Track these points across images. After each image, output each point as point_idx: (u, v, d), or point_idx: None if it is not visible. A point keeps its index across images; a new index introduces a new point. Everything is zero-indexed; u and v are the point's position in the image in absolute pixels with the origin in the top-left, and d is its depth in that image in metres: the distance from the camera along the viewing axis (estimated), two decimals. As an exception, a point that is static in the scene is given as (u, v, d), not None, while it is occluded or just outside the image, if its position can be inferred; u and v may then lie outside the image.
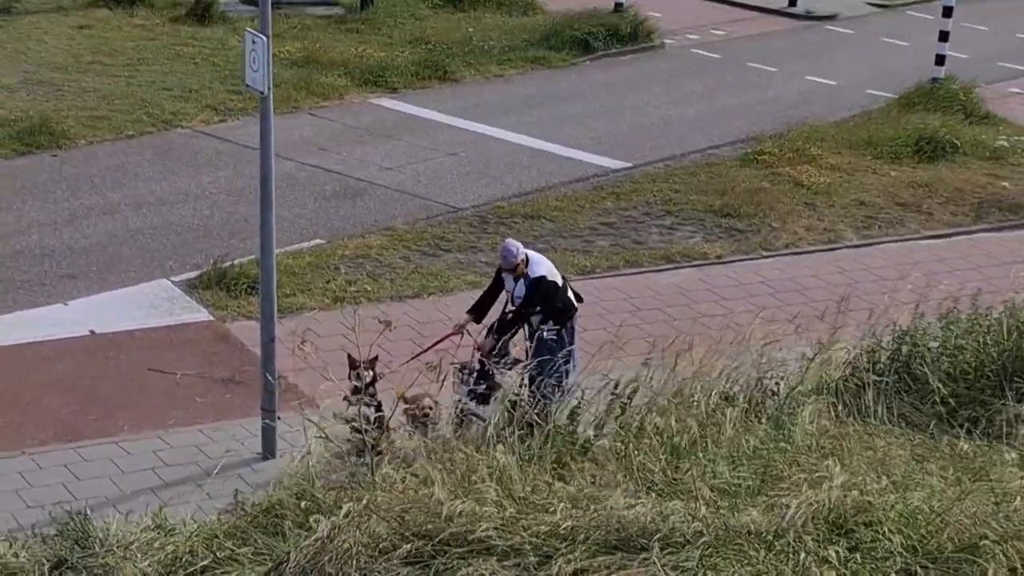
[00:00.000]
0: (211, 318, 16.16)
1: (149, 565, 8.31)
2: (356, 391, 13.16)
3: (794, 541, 6.93)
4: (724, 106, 24.61)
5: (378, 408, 12.64)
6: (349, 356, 13.21)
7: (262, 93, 12.61)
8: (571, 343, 13.56)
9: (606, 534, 7.01)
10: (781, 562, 6.84)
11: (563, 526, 7.06)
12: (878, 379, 12.26)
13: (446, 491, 7.25)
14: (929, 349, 12.71)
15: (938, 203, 20.29)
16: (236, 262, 17.09)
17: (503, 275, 13.73)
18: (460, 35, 27.53)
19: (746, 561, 6.89)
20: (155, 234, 18.33)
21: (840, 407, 11.90)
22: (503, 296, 13.87)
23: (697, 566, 6.82)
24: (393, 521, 7.20)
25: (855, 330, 13.52)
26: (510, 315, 13.86)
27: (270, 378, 13.26)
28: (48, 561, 9.82)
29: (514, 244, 13.69)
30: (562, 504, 7.19)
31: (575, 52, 27.11)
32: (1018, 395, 11.98)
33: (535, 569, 6.91)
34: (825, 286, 17.59)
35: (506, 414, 10.90)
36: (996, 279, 17.10)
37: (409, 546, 7.01)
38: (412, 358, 13.41)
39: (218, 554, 8.11)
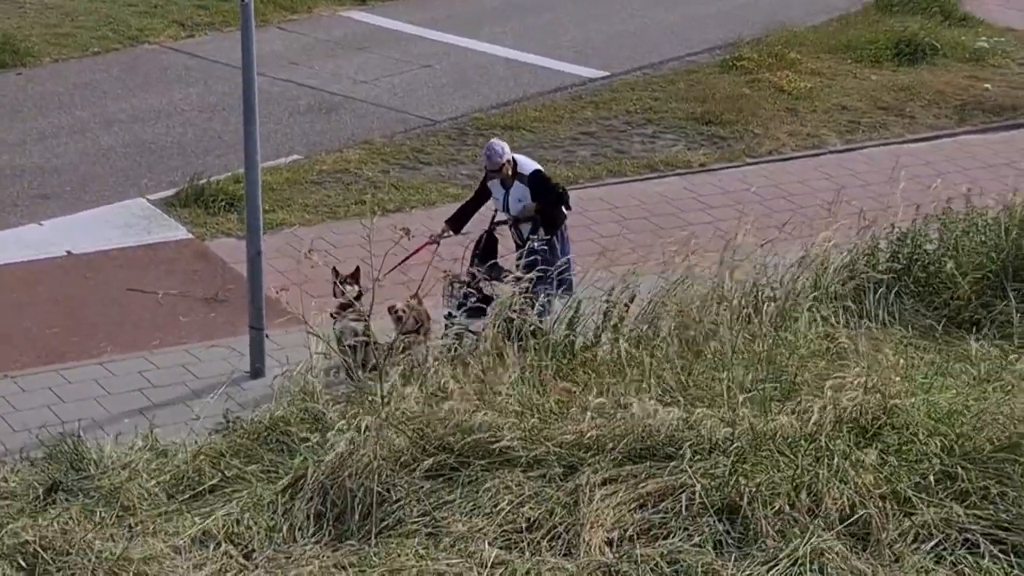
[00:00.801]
0: (190, 236, 15.82)
1: (156, 484, 8.02)
2: (343, 307, 12.97)
3: (828, 444, 6.71)
4: (700, 12, 24.22)
5: (364, 323, 12.51)
6: (334, 270, 12.99)
7: (245, 3, 12.16)
8: (563, 252, 13.25)
9: (633, 442, 6.78)
10: (816, 466, 6.63)
11: (588, 435, 6.83)
12: (878, 282, 12.10)
13: (466, 402, 6.98)
14: (927, 252, 12.54)
15: (920, 106, 20.05)
16: (213, 179, 16.74)
17: (489, 184, 13.34)
18: (427, -56, 26.97)
19: (777, 467, 6.68)
20: (128, 152, 17.94)
21: (840, 311, 11.74)
22: (486, 211, 13.53)
23: (729, 472, 6.60)
24: (413, 434, 6.94)
25: (849, 234, 13.35)
26: (499, 225, 13.55)
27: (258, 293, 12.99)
28: (41, 485, 9.56)
29: (499, 143, 13.22)
30: (589, 413, 6.94)
31: (548, -40, 26.58)
32: (1021, 295, 11.83)
33: (561, 479, 6.69)
34: (812, 192, 17.37)
35: (503, 326, 10.66)
36: (983, 181, 16.89)
37: (431, 460, 6.77)
38: (391, 270, 13.08)
39: (226, 472, 7.84)
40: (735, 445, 6.82)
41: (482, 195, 13.46)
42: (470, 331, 12.84)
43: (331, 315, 12.95)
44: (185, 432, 11.69)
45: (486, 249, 13.51)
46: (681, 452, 6.73)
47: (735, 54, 21.31)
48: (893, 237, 12.49)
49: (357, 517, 6.60)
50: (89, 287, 14.65)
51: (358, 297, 12.63)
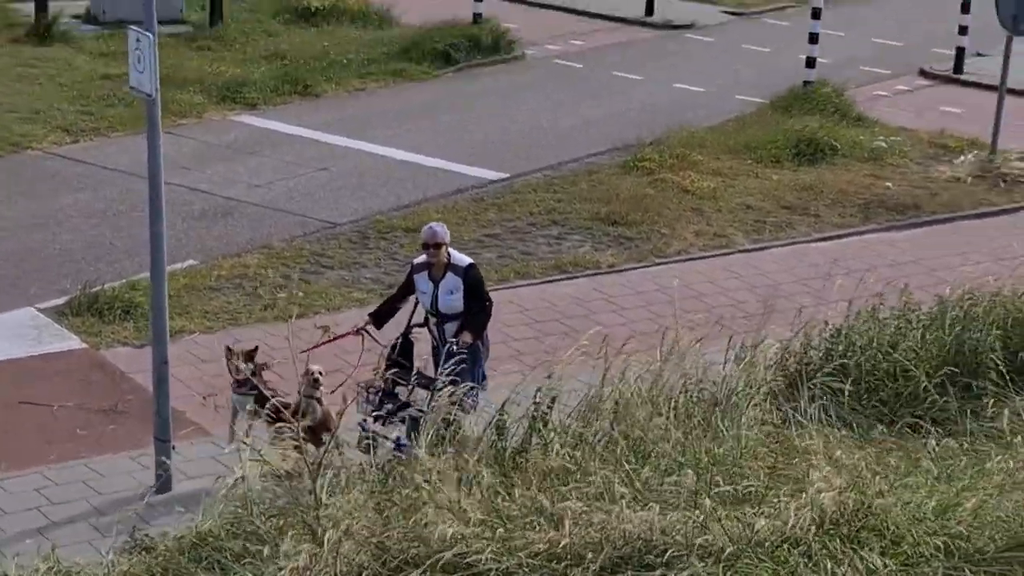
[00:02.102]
0: (84, 345, 15.07)
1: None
2: (240, 384, 12.48)
3: (816, 548, 6.23)
4: (595, 114, 24.06)
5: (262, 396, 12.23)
6: (227, 348, 12.58)
7: (149, 95, 11.60)
8: (484, 357, 12.74)
9: (612, 550, 6.26)
10: (810, 571, 6.15)
11: (562, 544, 6.28)
12: (812, 380, 11.75)
13: (432, 512, 6.40)
14: (861, 348, 12.22)
15: (824, 205, 19.93)
16: (107, 286, 16.02)
17: (415, 277, 12.79)
18: (316, 49, 26.64)
19: (770, 572, 6.18)
20: (13, 260, 17.17)
21: (774, 410, 11.37)
22: (408, 307, 13.01)
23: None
24: (373, 549, 6.36)
25: (776, 332, 13.02)
26: (415, 328, 13.01)
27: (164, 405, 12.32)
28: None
29: (440, 224, 12.77)
30: (567, 520, 6.40)
31: (436, 64, 26.41)
32: (961, 391, 11.53)
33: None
34: (722, 291, 17.10)
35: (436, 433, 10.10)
36: (892, 279, 16.70)
37: (396, 576, 6.20)
38: (312, 347, 12.52)
39: (157, 596, 7.16)
40: (717, 551, 6.32)
41: (407, 289, 12.91)
42: (386, 438, 12.28)
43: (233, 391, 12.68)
44: (90, 551, 11.04)
45: (402, 354, 12.93)
46: (663, 560, 6.21)
47: (636, 155, 21.09)
48: (826, 334, 12.13)
49: (317, 645, 5.99)
50: (-22, 400, 13.85)
51: (255, 373, 12.40)
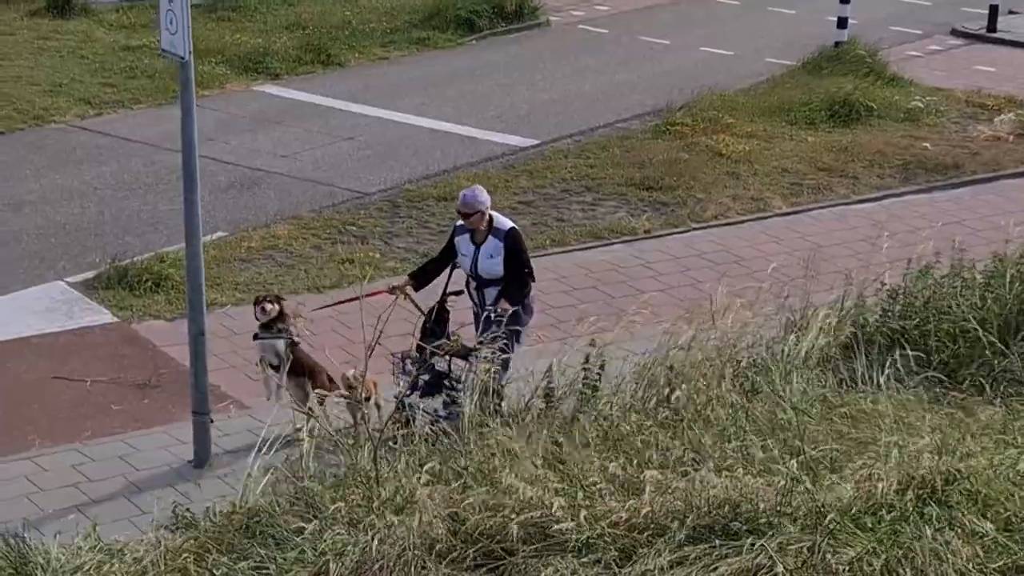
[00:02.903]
0: (115, 319, 14.77)
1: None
2: (265, 327, 12.42)
3: (915, 512, 5.88)
4: (623, 80, 23.67)
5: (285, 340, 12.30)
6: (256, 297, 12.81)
7: (182, 58, 11.26)
8: (525, 324, 12.36)
9: (696, 519, 5.92)
10: (905, 538, 5.80)
11: (644, 512, 5.94)
12: (868, 341, 11.41)
13: (509, 479, 6.06)
14: (917, 309, 11.86)
15: (862, 167, 19.52)
16: (137, 259, 15.71)
17: (456, 240, 12.44)
18: (338, 19, 26.27)
19: (861, 539, 5.84)
20: (41, 235, 16.85)
21: (829, 376, 11.02)
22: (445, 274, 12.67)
23: (812, 549, 5.74)
24: (448, 519, 6.02)
25: (817, 296, 12.67)
26: (451, 296, 12.67)
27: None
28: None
29: (478, 189, 12.31)
30: (648, 488, 6.06)
31: (460, 32, 26.02)
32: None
33: (618, 565, 5.79)
34: (762, 256, 16.67)
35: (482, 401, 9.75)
36: (937, 240, 16.33)
37: (472, 548, 5.85)
38: (334, 304, 12.29)
39: (215, 571, 6.82)
40: (805, 516, 5.97)
41: (448, 253, 12.57)
42: (423, 411, 11.95)
43: (253, 337, 12.59)
44: (130, 529, 10.74)
45: (437, 323, 12.58)
46: (748, 528, 5.87)
47: (668, 119, 20.70)
48: (883, 295, 11.76)
49: (394, 618, 5.68)
50: (10, 376, 13.54)
51: (279, 316, 12.26)
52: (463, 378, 12.26)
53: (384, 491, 6.86)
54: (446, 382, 12.21)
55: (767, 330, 11.93)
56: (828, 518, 5.79)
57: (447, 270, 12.63)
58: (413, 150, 20.03)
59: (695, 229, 17.51)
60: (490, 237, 12.18)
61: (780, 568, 5.55)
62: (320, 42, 24.55)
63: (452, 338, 12.31)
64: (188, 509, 10.46)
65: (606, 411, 9.38)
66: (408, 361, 12.43)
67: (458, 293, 12.81)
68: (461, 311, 12.86)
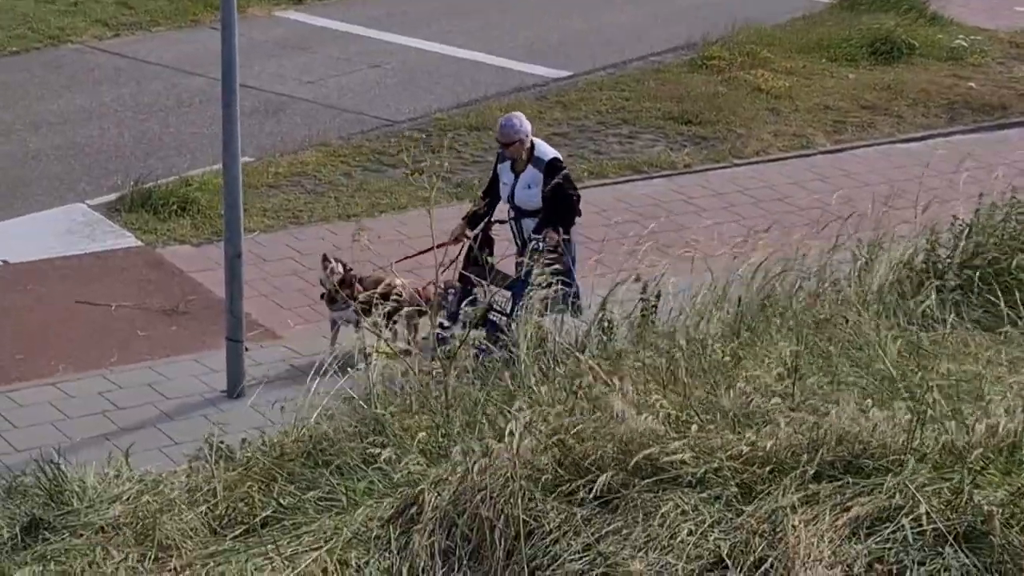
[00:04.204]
0: (139, 243, 14.22)
1: (196, 518, 6.43)
2: (331, 300, 11.74)
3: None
4: (656, 11, 22.97)
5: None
6: (324, 255, 11.81)
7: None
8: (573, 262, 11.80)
9: (826, 454, 5.37)
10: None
11: (770, 446, 5.39)
12: (941, 280, 10.81)
13: (622, 403, 5.49)
14: (994, 245, 11.26)
15: (906, 105, 18.91)
16: (161, 182, 15.13)
17: (499, 167, 11.88)
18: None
19: (1005, 479, 5.30)
20: (60, 155, 16.27)
21: (901, 315, 10.44)
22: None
23: (955, 489, 5.20)
24: (554, 448, 5.46)
25: (871, 233, 12.08)
26: (502, 222, 12.11)
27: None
28: (17, 521, 7.93)
29: (518, 117, 11.69)
30: (783, 418, 5.49)
31: (484, -38, 25.27)
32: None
33: (740, 501, 5.25)
34: (807, 193, 16.15)
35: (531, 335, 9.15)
36: (986, 182, 15.76)
37: (582, 480, 5.30)
38: (408, 257, 11.80)
39: (281, 500, 6.26)
40: (936, 453, 5.43)
41: (494, 182, 12.01)
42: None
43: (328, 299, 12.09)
44: (160, 459, 10.22)
45: (481, 251, 12.00)
46: (880, 464, 5.33)
47: (704, 53, 20.06)
48: (956, 230, 11.17)
49: (501, 554, 5.09)
50: (32, 300, 13.00)
51: (344, 282, 11.72)
52: (502, 309, 11.79)
53: (460, 417, 6.30)
54: (490, 315, 11.69)
55: (831, 265, 11.35)
56: (974, 455, 5.24)
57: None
58: (440, 78, 19.40)
59: (737, 165, 16.93)
60: (530, 166, 11.63)
61: (924, 508, 5.01)
62: (343, -33, 23.84)
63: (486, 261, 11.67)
64: (222, 441, 9.94)
65: (691, 336, 8.73)
66: (451, 292, 11.91)
67: (503, 221, 12.28)
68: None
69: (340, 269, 11.87)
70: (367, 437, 6.61)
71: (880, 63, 20.30)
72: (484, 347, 11.28)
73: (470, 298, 11.66)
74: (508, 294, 11.75)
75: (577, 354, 6.87)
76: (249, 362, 11.80)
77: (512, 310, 10.72)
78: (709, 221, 14.98)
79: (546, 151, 11.74)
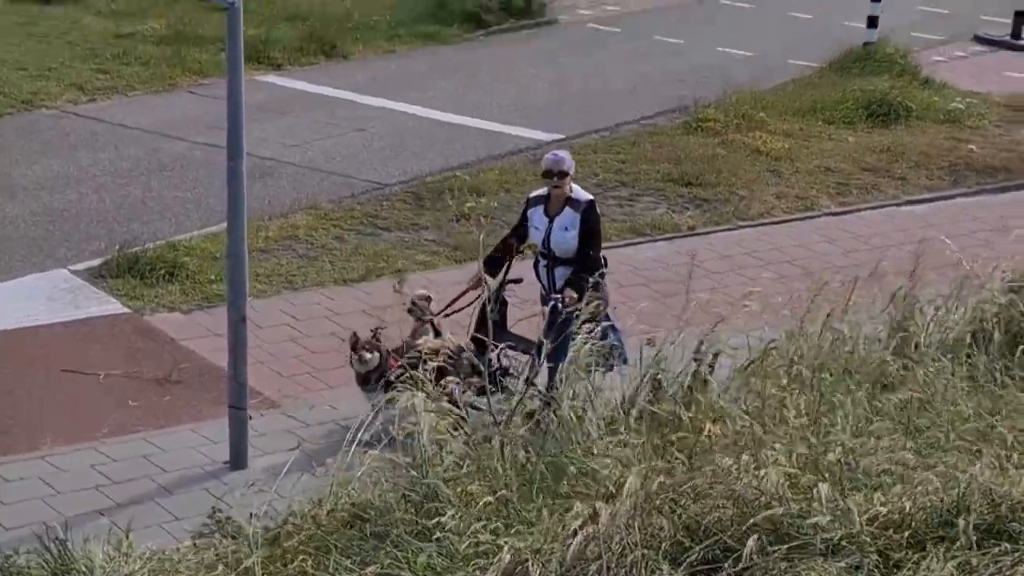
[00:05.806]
0: (126, 310, 13.50)
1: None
2: (364, 381, 11.02)
3: None
4: (643, 77, 22.51)
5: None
6: (353, 335, 11.02)
7: (231, 4, 10.03)
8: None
9: (975, 517, 4.74)
10: None
11: (901, 507, 4.76)
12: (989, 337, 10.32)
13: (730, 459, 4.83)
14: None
15: (908, 167, 18.45)
16: (148, 246, 14.44)
17: (529, 212, 11.34)
18: (339, 10, 25.03)
19: None
20: (38, 221, 15.56)
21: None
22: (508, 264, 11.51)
23: None
24: (671, 509, 4.80)
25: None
26: (511, 284, 11.53)
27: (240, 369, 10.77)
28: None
29: (563, 151, 11.40)
30: (919, 480, 4.86)
31: (467, 27, 24.87)
32: None
33: (881, 571, 4.60)
34: (815, 256, 15.62)
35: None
36: (997, 244, 15.28)
37: (701, 546, 4.65)
38: (443, 313, 11.23)
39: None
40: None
41: (522, 229, 11.45)
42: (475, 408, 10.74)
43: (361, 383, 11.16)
44: (162, 535, 9.54)
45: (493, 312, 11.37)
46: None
47: (698, 115, 19.56)
48: (1006, 287, 10.65)
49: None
50: (14, 369, 12.24)
51: (380, 367, 10.69)
52: (522, 373, 11.16)
53: (528, 483, 5.63)
54: (501, 378, 11.08)
55: (867, 327, 10.79)
56: None
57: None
58: (429, 142, 18.83)
59: (741, 227, 16.39)
60: (566, 208, 11.15)
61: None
62: (323, 33, 23.32)
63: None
64: (228, 516, 9.23)
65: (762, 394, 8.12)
66: (464, 356, 11.29)
67: (518, 281, 11.70)
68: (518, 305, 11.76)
69: (372, 356, 11.02)
70: (421, 505, 5.94)
71: (878, 125, 19.88)
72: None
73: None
74: (523, 356, 11.11)
75: (681, 410, 6.19)
76: (251, 432, 11.09)
77: (554, 371, 10.04)
78: (716, 285, 14.41)
79: (583, 194, 11.38)
